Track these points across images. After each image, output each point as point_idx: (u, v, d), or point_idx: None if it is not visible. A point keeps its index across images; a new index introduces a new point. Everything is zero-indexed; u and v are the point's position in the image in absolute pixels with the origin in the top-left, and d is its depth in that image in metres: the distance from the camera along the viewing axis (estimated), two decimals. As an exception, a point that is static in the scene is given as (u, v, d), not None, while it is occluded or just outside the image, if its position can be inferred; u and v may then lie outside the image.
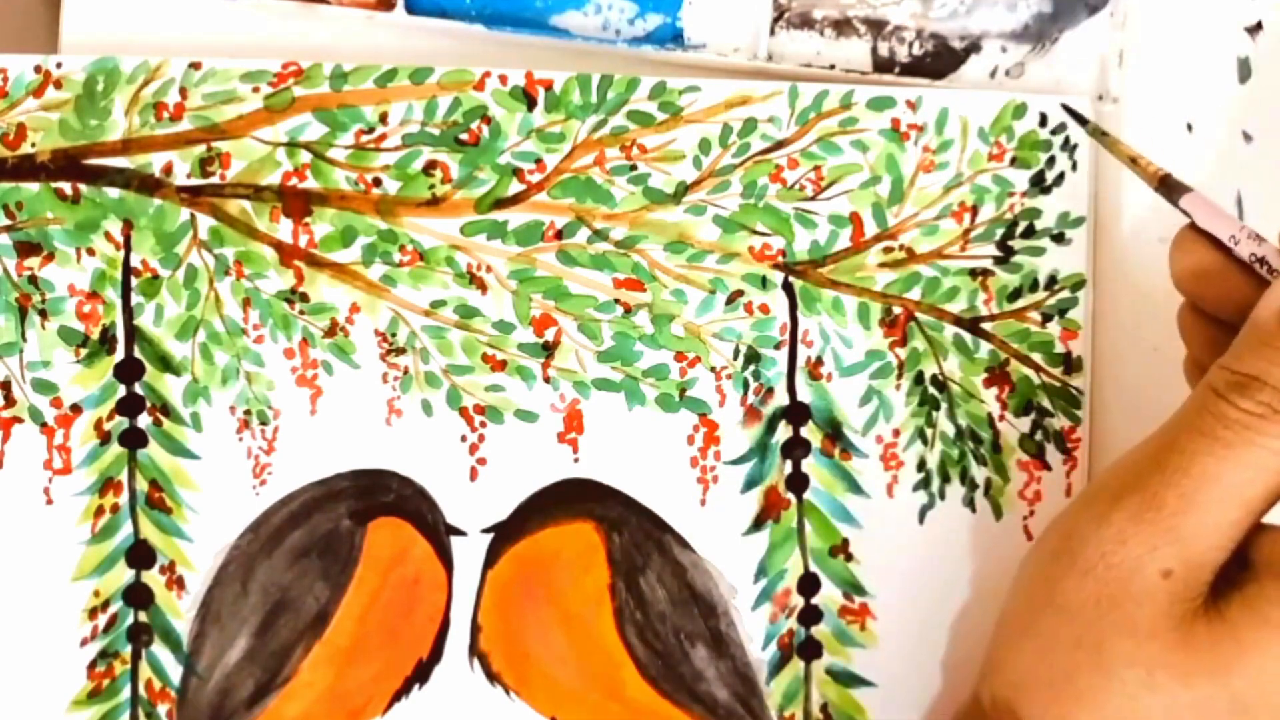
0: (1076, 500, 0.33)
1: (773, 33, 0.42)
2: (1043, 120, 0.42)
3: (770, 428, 0.42)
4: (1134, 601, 0.31)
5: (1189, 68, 0.44)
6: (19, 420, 0.39)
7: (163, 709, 0.39)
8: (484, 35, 0.41)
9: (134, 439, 0.39)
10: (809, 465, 0.42)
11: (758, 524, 0.41)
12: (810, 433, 0.42)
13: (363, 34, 0.41)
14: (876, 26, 0.43)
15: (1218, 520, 0.31)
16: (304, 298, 0.40)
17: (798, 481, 0.42)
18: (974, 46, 0.43)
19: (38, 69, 0.39)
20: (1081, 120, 0.39)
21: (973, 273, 0.42)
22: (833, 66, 0.42)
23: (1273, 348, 0.31)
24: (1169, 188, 0.35)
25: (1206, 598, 0.31)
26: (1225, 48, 0.44)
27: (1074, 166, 0.42)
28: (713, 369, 0.41)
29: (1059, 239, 0.42)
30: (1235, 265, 0.34)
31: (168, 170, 0.39)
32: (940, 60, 0.43)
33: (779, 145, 0.41)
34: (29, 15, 0.41)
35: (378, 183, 0.40)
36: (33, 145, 0.39)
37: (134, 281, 0.39)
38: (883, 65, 0.43)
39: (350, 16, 0.41)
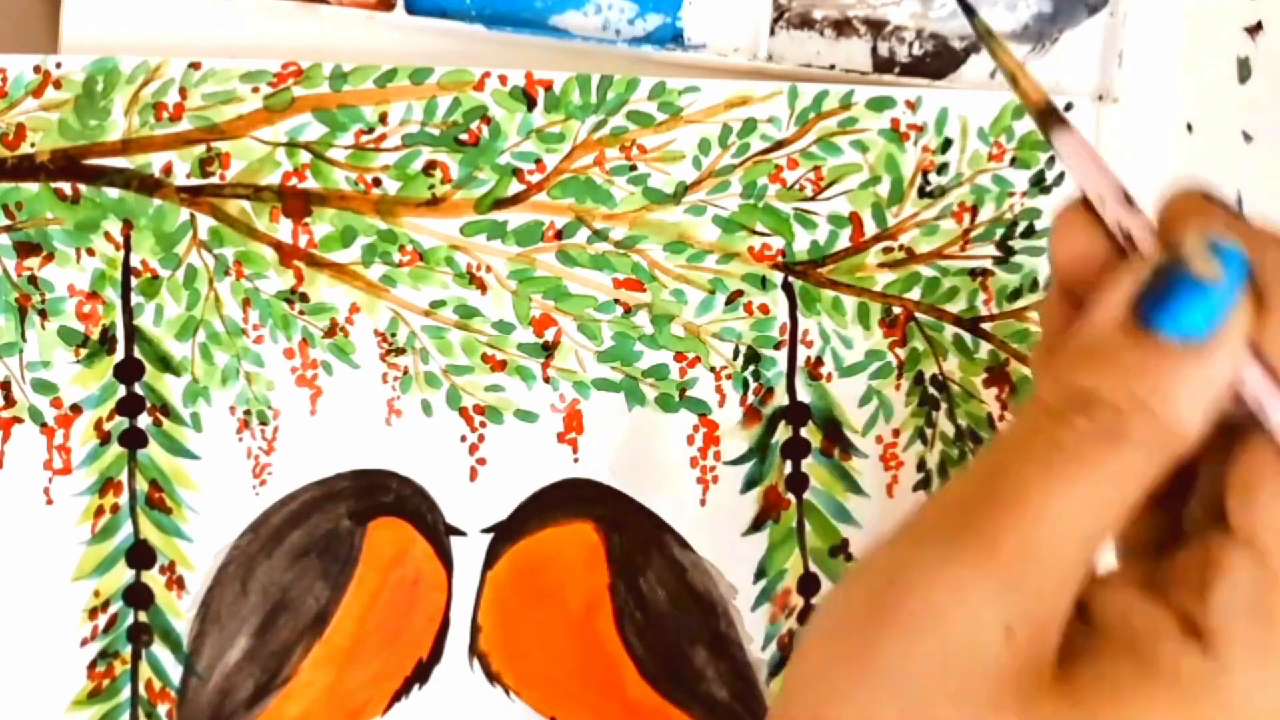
0: (895, 539, 0.27)
1: (773, 33, 0.42)
2: (1043, 120, 0.42)
3: (770, 428, 0.41)
4: (973, 667, 0.25)
5: (1189, 68, 0.44)
6: (19, 420, 0.39)
7: (163, 709, 0.39)
8: (484, 35, 0.41)
9: (134, 439, 0.39)
10: (809, 465, 0.42)
11: (757, 524, 0.41)
12: (810, 433, 0.42)
13: (363, 34, 0.41)
14: (876, 27, 0.43)
15: (1060, 566, 0.26)
16: (304, 298, 0.40)
17: (797, 481, 0.42)
18: (974, 46, 0.43)
19: (37, 69, 0.39)
20: (969, 11, 0.32)
21: (972, 273, 0.42)
22: (833, 66, 0.42)
23: (1106, 356, 0.26)
24: (1047, 116, 0.29)
25: (1052, 662, 0.26)
26: (1225, 48, 0.44)
27: (1074, 166, 0.42)
28: (712, 369, 0.41)
29: (1059, 239, 0.42)
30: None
31: (167, 170, 0.39)
32: (940, 60, 0.43)
33: (779, 145, 0.41)
34: (28, 15, 0.41)
35: (377, 183, 0.40)
36: (32, 145, 0.39)
37: (134, 282, 0.39)
38: (883, 65, 0.43)
39: (350, 16, 0.41)
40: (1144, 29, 0.44)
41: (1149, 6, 0.44)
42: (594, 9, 0.42)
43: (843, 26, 0.43)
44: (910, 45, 0.43)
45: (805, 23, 0.42)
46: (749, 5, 0.42)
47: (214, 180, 0.40)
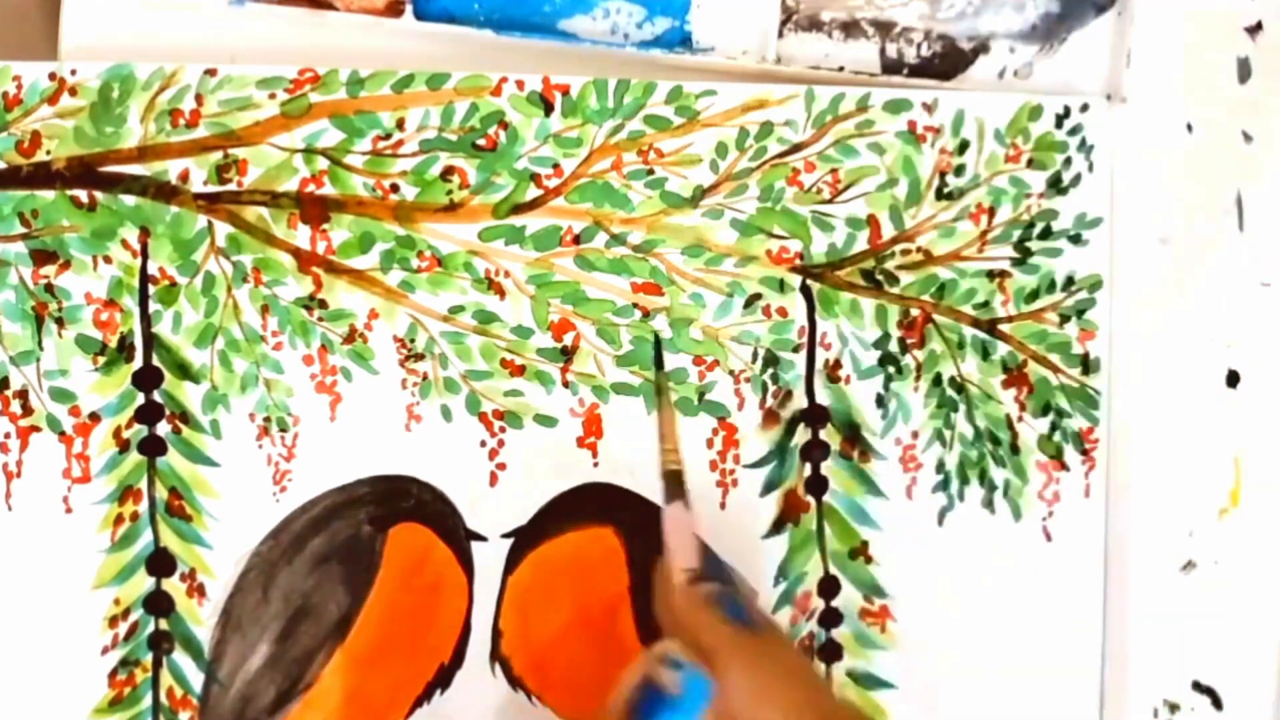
0: None
1: (781, 35, 0.42)
2: (1059, 122, 0.42)
3: (789, 430, 0.42)
4: None
5: (1189, 68, 0.44)
6: (37, 429, 0.39)
7: (184, 716, 0.39)
8: (492, 40, 0.41)
9: (153, 447, 0.39)
10: (828, 468, 0.42)
11: (777, 527, 0.41)
12: (829, 435, 0.42)
13: (371, 40, 0.41)
14: (884, 28, 0.43)
15: None
16: (322, 304, 0.40)
17: (817, 484, 0.42)
18: (982, 47, 0.43)
19: (52, 76, 0.39)
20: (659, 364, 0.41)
21: (990, 274, 0.42)
22: (841, 68, 0.42)
23: None
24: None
25: None
26: (1225, 48, 0.44)
27: (1090, 168, 0.42)
28: (731, 372, 0.41)
29: (1076, 240, 0.42)
30: None
31: (184, 177, 0.39)
32: (948, 61, 0.43)
33: (796, 149, 0.41)
34: (27, 22, 0.41)
35: (395, 189, 0.40)
36: (48, 153, 0.39)
37: (151, 289, 0.39)
38: (891, 66, 0.43)
39: (359, 22, 0.41)
40: (1144, 29, 0.44)
41: (1150, 6, 0.44)
42: (602, 13, 0.42)
43: (851, 28, 0.43)
44: (918, 46, 0.43)
45: (813, 25, 0.42)
46: (757, 8, 0.42)
47: (231, 187, 0.39)
